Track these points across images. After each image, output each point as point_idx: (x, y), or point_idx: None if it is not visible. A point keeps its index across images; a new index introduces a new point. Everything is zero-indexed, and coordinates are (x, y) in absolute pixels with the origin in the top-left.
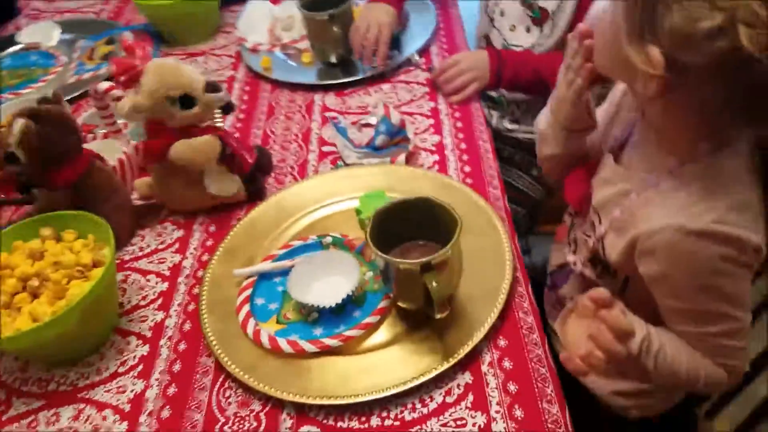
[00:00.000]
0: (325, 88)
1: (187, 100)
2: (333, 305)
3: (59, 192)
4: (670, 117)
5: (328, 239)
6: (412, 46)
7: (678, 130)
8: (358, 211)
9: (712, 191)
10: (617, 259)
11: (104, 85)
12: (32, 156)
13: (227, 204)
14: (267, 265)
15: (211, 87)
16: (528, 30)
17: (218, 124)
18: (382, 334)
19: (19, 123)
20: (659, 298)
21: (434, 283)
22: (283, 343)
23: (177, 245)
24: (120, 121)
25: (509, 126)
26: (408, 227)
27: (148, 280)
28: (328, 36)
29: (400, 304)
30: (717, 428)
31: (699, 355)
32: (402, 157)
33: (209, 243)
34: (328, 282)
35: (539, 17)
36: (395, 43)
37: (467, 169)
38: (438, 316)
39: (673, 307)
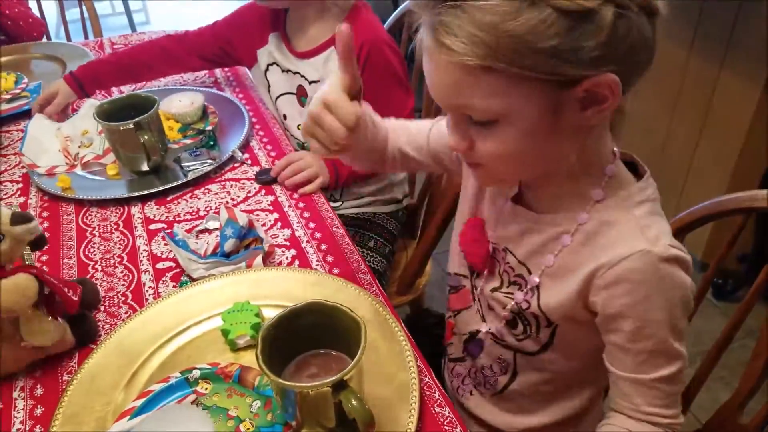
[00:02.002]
0: (142, 199)
1: None
2: None
3: None
4: (590, 145)
5: (195, 373)
6: (231, 143)
7: (597, 156)
8: (224, 332)
9: (653, 213)
10: (556, 306)
11: None
12: None
13: (51, 357)
14: (125, 425)
15: (19, 218)
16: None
17: (28, 263)
18: None
19: None
20: (612, 339)
21: (353, 402)
22: None
23: None
24: None
25: (333, 204)
26: (298, 338)
27: None
28: (136, 145)
29: None
30: None
31: None
32: (259, 260)
33: (39, 412)
34: None
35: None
36: (213, 141)
37: (330, 258)
38: None
39: (628, 349)
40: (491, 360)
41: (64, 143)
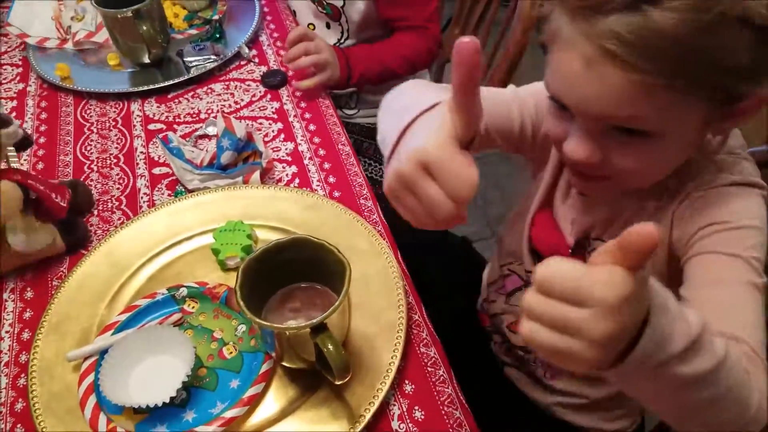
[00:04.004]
0: (143, 94)
1: None
2: (165, 401)
3: None
4: None
5: (183, 291)
6: (238, 37)
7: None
8: (215, 251)
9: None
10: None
11: None
12: None
13: (43, 260)
14: (108, 339)
15: None
16: (328, 26)
17: (14, 165)
18: (271, 404)
19: None
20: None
21: (329, 347)
22: None
23: None
24: None
25: (348, 112)
26: (284, 270)
27: None
28: (135, 35)
29: (286, 364)
30: None
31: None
32: (256, 175)
33: (28, 315)
34: (155, 367)
35: (332, 13)
36: (219, 34)
37: (332, 179)
38: (338, 382)
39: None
40: None
41: (57, 10)
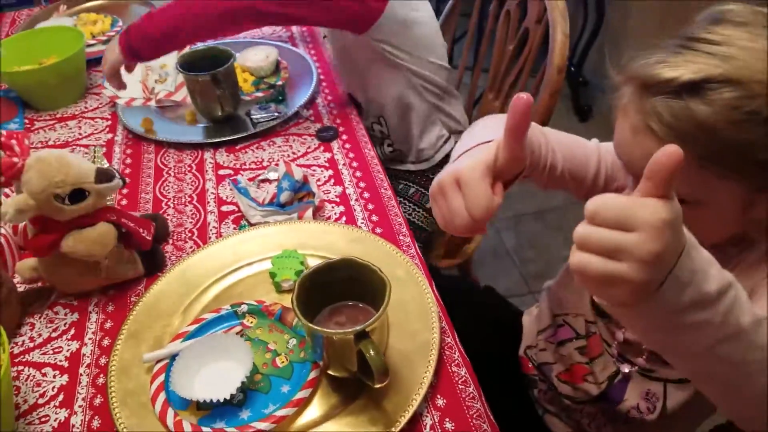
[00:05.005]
0: (215, 145)
1: (77, 194)
2: (226, 397)
3: None
4: None
5: (244, 308)
6: (298, 99)
7: None
8: (272, 274)
9: None
10: None
11: None
12: None
13: (125, 281)
14: (178, 345)
15: (104, 176)
16: None
17: (109, 203)
18: (316, 408)
19: None
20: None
21: (371, 352)
22: None
23: (72, 331)
24: None
25: (400, 167)
26: (333, 289)
27: (45, 374)
28: (212, 95)
29: (331, 372)
30: None
31: None
32: (309, 212)
33: (109, 325)
34: (218, 370)
35: None
36: (282, 96)
37: (374, 218)
38: (378, 385)
39: None
40: (637, 399)
41: (145, 74)
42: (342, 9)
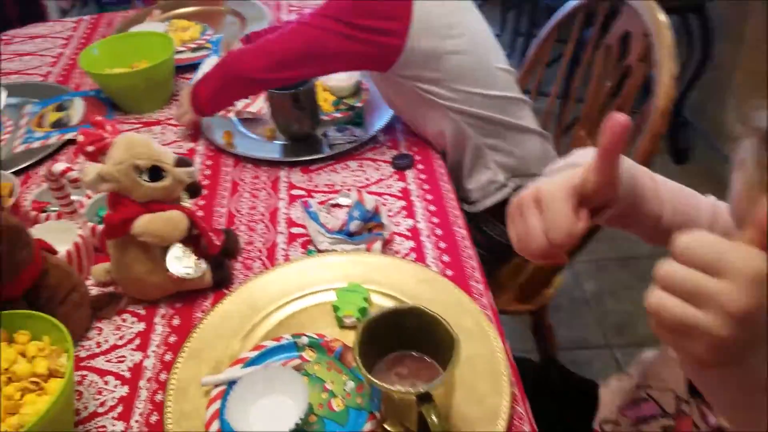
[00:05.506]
0: (291, 164)
1: (156, 172)
2: None
3: (10, 303)
4: None
5: (304, 340)
6: (376, 123)
7: None
8: (335, 308)
9: None
10: None
11: (60, 166)
12: None
13: (191, 294)
14: (237, 372)
15: (182, 161)
16: None
17: (184, 204)
18: None
19: None
20: None
21: (433, 417)
22: None
23: (138, 341)
24: (75, 199)
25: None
26: (397, 336)
27: (107, 383)
28: (291, 113)
29: (387, 428)
30: None
31: None
32: (378, 245)
33: (172, 339)
34: (273, 404)
35: None
36: (360, 119)
37: (446, 258)
38: None
39: None
40: None
41: None
42: (358, 55)
